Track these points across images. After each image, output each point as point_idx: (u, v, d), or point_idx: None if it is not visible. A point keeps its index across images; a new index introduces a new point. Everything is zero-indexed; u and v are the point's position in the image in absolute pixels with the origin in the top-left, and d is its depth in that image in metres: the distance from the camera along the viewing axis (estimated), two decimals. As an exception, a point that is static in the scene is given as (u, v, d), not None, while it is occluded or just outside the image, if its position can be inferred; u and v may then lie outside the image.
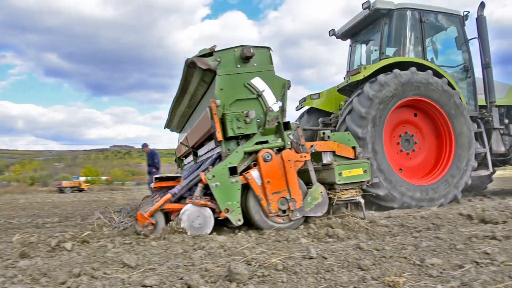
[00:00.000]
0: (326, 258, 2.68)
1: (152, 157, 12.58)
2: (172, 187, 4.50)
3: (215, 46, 4.23)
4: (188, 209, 3.88)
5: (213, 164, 4.34)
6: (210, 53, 4.18)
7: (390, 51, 7.12)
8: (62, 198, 19.11)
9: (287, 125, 4.30)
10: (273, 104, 4.22)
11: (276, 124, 4.20)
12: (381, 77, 6.14)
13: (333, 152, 4.67)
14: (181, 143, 6.62)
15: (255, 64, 4.25)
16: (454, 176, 6.41)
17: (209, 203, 3.95)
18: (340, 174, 4.51)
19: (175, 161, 8.71)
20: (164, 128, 8.33)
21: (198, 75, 4.60)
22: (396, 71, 6.19)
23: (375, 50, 7.66)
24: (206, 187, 4.03)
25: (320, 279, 2.31)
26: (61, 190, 32.57)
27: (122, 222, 5.02)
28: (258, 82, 4.22)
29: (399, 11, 6.95)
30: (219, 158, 4.37)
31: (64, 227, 5.41)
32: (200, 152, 6.13)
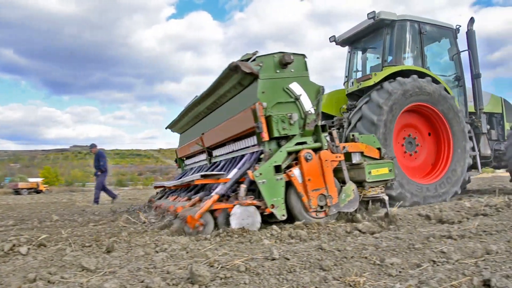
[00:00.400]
0: (288, 259, 2.69)
1: (98, 159, 11.99)
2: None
3: (257, 51, 4.61)
4: (237, 210, 4.06)
5: (254, 162, 4.60)
6: (252, 58, 4.54)
7: (390, 59, 7.56)
8: (18, 200, 18.45)
9: (324, 128, 4.62)
10: (310, 108, 4.52)
11: (314, 126, 4.51)
12: (387, 85, 6.57)
13: (361, 153, 5.00)
14: (196, 143, 6.74)
15: (292, 70, 4.55)
16: (454, 174, 6.98)
17: (254, 201, 4.14)
18: (369, 172, 4.87)
19: (175, 161, 8.89)
20: (166, 128, 8.76)
21: (236, 78, 4.83)
22: (400, 79, 6.62)
23: (377, 57, 8.13)
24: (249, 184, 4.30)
25: (282, 280, 2.31)
26: (17, 191, 31.46)
27: (144, 222, 5.16)
28: (295, 87, 4.52)
29: (400, 22, 7.40)
30: (257, 156, 4.65)
31: (20, 230, 5.21)
32: (216, 152, 6.33)
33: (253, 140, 4.91)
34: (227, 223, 4.10)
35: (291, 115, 4.38)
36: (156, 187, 8.47)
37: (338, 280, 2.28)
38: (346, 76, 8.60)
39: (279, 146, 4.43)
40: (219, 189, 4.41)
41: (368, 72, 8.30)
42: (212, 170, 5.77)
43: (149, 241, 3.63)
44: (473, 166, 7.63)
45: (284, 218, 4.18)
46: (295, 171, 4.30)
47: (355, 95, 7.57)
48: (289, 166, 4.38)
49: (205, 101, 6.18)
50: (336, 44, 8.59)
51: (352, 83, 7.69)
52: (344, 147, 4.73)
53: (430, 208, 5.08)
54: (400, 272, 2.40)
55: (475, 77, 8.06)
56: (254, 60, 4.53)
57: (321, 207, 4.38)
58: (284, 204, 4.21)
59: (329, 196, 4.38)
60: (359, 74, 8.46)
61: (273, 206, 4.13)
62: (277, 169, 4.24)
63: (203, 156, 6.90)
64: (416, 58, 7.60)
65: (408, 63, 7.53)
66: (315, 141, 4.56)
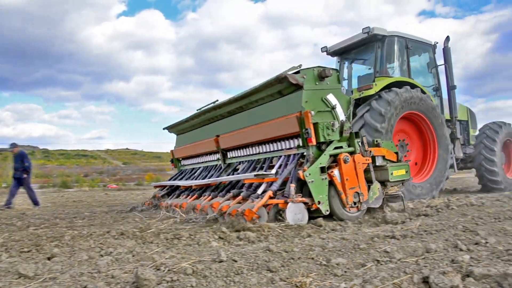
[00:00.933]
0: (236, 261, 2.68)
1: (22, 159, 10.89)
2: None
3: (301, 65, 5.23)
4: (291, 206, 4.55)
5: (297, 163, 5.14)
6: (297, 70, 5.15)
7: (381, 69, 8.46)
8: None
9: (357, 134, 5.21)
10: (343, 116, 5.20)
11: (349, 133, 5.14)
12: (385, 94, 7.27)
13: (383, 156, 5.54)
14: (218, 144, 7.03)
15: (328, 83, 5.17)
16: (441, 172, 7.93)
17: (304, 199, 4.67)
18: (392, 173, 5.45)
19: (171, 161, 9.18)
20: (164, 129, 9.25)
21: (278, 87, 5.42)
22: (396, 89, 7.37)
23: (368, 68, 8.97)
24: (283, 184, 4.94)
25: (229, 282, 2.30)
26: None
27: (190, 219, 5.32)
28: (331, 98, 5.17)
29: (390, 37, 8.26)
30: (299, 158, 5.19)
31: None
32: (233, 154, 6.84)
33: (288, 143, 5.48)
34: (276, 218, 4.64)
35: (333, 123, 5.02)
36: (156, 186, 8.78)
37: (285, 281, 2.30)
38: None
39: (320, 150, 5.01)
40: (273, 186, 4.86)
41: (355, 81, 9.32)
42: (230, 170, 6.67)
43: (93, 245, 3.52)
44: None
45: (328, 213, 4.71)
46: (336, 172, 4.88)
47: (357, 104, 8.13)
48: (328, 168, 4.90)
49: (228, 106, 6.64)
50: (327, 54, 9.32)
51: (347, 91, 8.72)
52: (370, 152, 5.30)
53: (374, 209, 5.24)
54: (345, 272, 2.45)
55: (451, 88, 9.03)
56: (298, 72, 5.08)
57: (355, 203, 4.98)
58: (328, 200, 4.77)
59: (361, 193, 5.02)
60: (345, 83, 9.36)
61: (319, 202, 4.65)
62: (322, 169, 4.79)
63: (212, 157, 7.40)
64: (403, 70, 8.47)
65: (396, 74, 8.34)
66: (349, 146, 5.13)
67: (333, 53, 9.29)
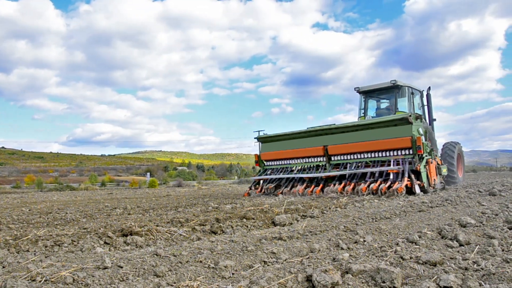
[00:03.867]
0: (121, 267, 2.56)
1: None
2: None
3: (412, 113, 9.55)
4: (416, 185, 8.97)
5: (407, 163, 9.30)
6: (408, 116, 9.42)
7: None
8: None
9: (432, 150, 9.87)
10: (426, 141, 9.79)
11: (430, 149, 9.77)
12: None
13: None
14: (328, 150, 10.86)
15: (417, 121, 9.51)
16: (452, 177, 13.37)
17: (419, 182, 9.13)
18: (443, 170, 10.94)
19: (256, 162, 12.51)
20: (255, 138, 12.45)
21: (395, 122, 9.65)
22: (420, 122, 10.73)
23: (387, 105, 13.07)
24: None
25: (113, 289, 2.19)
26: None
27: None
28: (421, 129, 9.49)
29: (404, 86, 12.41)
30: (408, 161, 9.28)
31: None
32: (335, 158, 10.67)
33: (396, 152, 9.56)
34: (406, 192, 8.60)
35: (428, 143, 9.54)
36: (256, 180, 12.14)
37: (172, 285, 2.25)
38: (363, 114, 13.16)
39: (419, 157, 9.21)
40: (397, 176, 8.97)
41: (371, 113, 13.29)
42: (332, 168, 10.59)
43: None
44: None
45: (432, 190, 9.44)
46: (427, 168, 9.35)
47: None
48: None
49: (358, 129, 10.34)
50: (357, 92, 13.25)
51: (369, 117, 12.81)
52: (435, 160, 10.13)
53: (266, 212, 5.37)
54: (233, 274, 2.47)
55: (432, 120, 13.20)
56: (410, 116, 9.29)
57: (434, 185, 9.63)
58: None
59: (435, 180, 9.70)
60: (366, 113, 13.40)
61: (424, 183, 9.08)
62: (424, 166, 9.20)
63: (312, 159, 11.13)
64: (410, 107, 12.33)
65: (404, 110, 12.21)
66: (429, 155, 9.59)
67: (362, 92, 13.18)
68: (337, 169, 10.32)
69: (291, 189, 10.54)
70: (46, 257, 3.17)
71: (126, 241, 3.65)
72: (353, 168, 9.89)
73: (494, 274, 2.22)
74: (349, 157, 10.30)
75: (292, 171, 11.38)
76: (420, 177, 9.01)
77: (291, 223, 4.75)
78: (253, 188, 11.85)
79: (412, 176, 8.93)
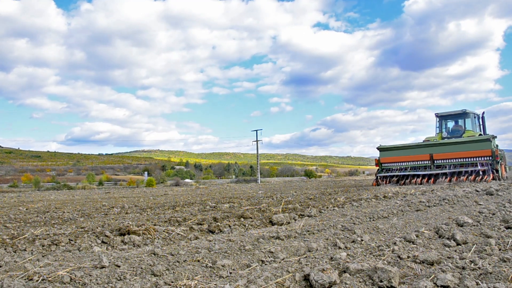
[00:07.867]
0: (119, 266, 2.56)
1: None
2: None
3: (489, 135, 15.65)
4: (490, 181, 14.38)
5: (489, 165, 15.12)
6: (492, 136, 15.68)
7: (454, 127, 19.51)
8: None
9: (502, 157, 16.60)
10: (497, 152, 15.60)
11: (501, 156, 16.07)
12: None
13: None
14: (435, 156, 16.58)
15: (493, 139, 15.33)
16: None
17: (497, 174, 15.25)
18: (507, 168, 19.71)
19: (376, 164, 17.88)
20: (377, 148, 17.96)
21: (478, 138, 15.57)
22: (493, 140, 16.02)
23: (459, 126, 18.57)
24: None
25: (110, 288, 2.19)
26: None
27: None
28: (494, 144, 15.38)
29: (470, 113, 18.02)
30: (488, 163, 15.05)
31: None
32: (438, 161, 15.93)
33: (480, 158, 15.02)
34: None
35: (499, 154, 15.33)
36: (381, 177, 17.50)
37: (170, 284, 2.24)
38: (439, 131, 18.76)
39: (496, 162, 15.02)
40: (489, 172, 14.62)
41: (445, 131, 18.97)
42: (436, 168, 16.11)
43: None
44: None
45: (505, 179, 15.70)
46: (501, 167, 15.84)
47: None
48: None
49: (451, 143, 15.99)
50: (436, 116, 18.89)
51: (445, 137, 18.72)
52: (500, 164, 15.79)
53: (264, 211, 5.37)
54: (230, 273, 2.47)
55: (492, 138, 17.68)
56: (493, 136, 15.29)
57: (506, 177, 16.28)
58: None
59: (505, 174, 16.73)
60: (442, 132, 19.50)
61: (501, 176, 15.43)
62: (499, 166, 15.54)
63: (419, 162, 16.39)
64: (474, 128, 18.01)
65: (470, 129, 17.98)
66: (501, 160, 15.92)
67: (440, 116, 18.82)
68: (440, 169, 15.66)
69: (410, 181, 15.86)
70: (43, 256, 3.17)
71: (124, 240, 3.65)
72: (451, 168, 15.37)
73: (491, 273, 2.23)
74: (447, 161, 15.74)
75: (406, 169, 16.61)
76: (499, 172, 15.02)
77: (289, 222, 4.74)
78: (379, 180, 17.02)
79: (494, 171, 14.60)
